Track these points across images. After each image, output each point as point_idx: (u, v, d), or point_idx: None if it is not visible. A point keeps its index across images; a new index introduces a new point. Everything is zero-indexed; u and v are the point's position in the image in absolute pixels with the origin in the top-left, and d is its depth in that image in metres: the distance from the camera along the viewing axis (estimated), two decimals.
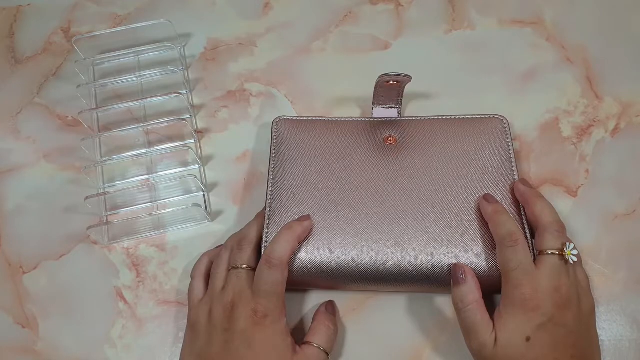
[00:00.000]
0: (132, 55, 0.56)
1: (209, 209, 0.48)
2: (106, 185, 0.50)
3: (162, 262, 0.47)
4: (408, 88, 0.46)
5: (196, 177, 0.46)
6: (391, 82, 0.45)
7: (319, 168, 0.44)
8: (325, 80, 0.54)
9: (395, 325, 0.43)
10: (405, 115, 0.49)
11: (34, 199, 0.50)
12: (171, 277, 0.46)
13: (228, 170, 0.50)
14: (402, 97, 0.48)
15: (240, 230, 0.43)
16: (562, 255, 0.37)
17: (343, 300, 0.44)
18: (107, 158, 0.51)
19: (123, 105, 0.52)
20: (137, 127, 0.50)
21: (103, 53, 0.56)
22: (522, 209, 0.42)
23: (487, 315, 0.37)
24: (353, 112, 0.52)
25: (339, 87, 0.53)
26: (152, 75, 0.55)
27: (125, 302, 0.45)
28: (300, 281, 0.42)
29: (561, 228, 0.39)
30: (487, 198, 0.42)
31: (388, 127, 0.47)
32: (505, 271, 0.37)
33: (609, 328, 0.42)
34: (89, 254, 0.47)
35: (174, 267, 0.46)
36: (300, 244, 0.41)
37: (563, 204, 0.46)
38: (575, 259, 0.37)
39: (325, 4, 0.58)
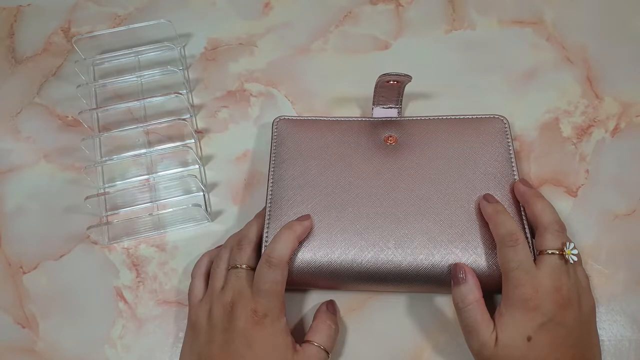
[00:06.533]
0: (132, 55, 0.56)
1: (209, 209, 0.48)
2: (106, 185, 0.50)
3: (162, 262, 0.47)
4: (408, 88, 0.46)
5: (196, 177, 0.46)
6: (391, 82, 0.45)
7: (319, 168, 0.44)
8: (325, 80, 0.54)
9: (395, 325, 0.43)
10: (406, 115, 0.49)
11: (34, 199, 0.50)
12: (171, 277, 0.46)
13: (228, 170, 0.50)
14: (402, 97, 0.48)
15: (240, 230, 0.43)
16: (562, 255, 0.37)
17: (343, 300, 0.44)
18: (107, 158, 0.51)
19: (123, 105, 0.52)
20: (137, 127, 0.50)
21: (103, 53, 0.56)
22: (522, 209, 0.42)
23: (487, 315, 0.37)
24: (353, 112, 0.52)
25: (339, 87, 0.53)
26: (152, 75, 0.55)
27: (125, 302, 0.45)
28: (300, 281, 0.42)
29: (561, 228, 0.39)
30: (488, 198, 0.42)
31: (388, 126, 0.47)
32: (506, 271, 0.37)
33: (609, 328, 0.42)
34: (89, 254, 0.47)
35: (174, 267, 0.46)
36: (301, 243, 0.41)
37: (563, 204, 0.46)
38: (575, 258, 0.37)
39: (325, 4, 0.58)
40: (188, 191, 0.49)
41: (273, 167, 0.45)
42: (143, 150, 0.51)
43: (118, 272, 0.46)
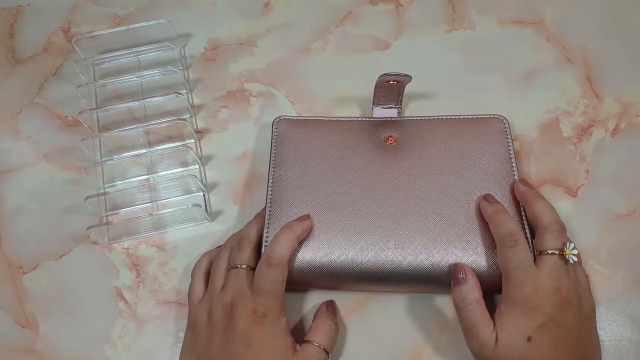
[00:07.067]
0: (132, 55, 0.56)
1: (209, 209, 0.48)
2: (106, 185, 0.50)
3: (162, 262, 0.47)
4: (408, 88, 0.46)
5: (196, 177, 0.46)
6: (391, 82, 0.45)
7: (319, 168, 0.44)
8: (325, 80, 0.54)
9: (395, 325, 0.43)
10: (406, 115, 0.49)
11: (34, 199, 0.50)
12: (171, 277, 0.46)
13: (228, 170, 0.50)
14: (402, 97, 0.48)
15: (240, 230, 0.43)
16: (562, 255, 0.37)
17: (343, 300, 0.44)
18: (107, 158, 0.51)
19: (123, 105, 0.52)
20: (137, 127, 0.50)
21: (103, 53, 0.56)
22: (522, 209, 0.42)
23: (487, 315, 0.37)
24: (353, 112, 0.52)
25: (339, 87, 0.53)
26: (152, 75, 0.55)
27: (125, 302, 0.45)
28: (300, 281, 0.42)
29: (561, 228, 0.39)
30: (487, 198, 0.42)
31: (388, 126, 0.47)
32: (506, 271, 0.37)
33: (609, 328, 0.42)
34: (89, 254, 0.47)
35: (174, 267, 0.46)
36: (301, 243, 0.41)
37: (563, 204, 0.46)
38: (575, 258, 0.37)
39: (325, 4, 0.58)
40: (188, 191, 0.49)
41: (273, 167, 0.45)
42: (143, 150, 0.51)
43: (118, 272, 0.46)
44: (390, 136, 0.46)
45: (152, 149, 0.51)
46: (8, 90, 0.56)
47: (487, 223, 0.41)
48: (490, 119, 0.47)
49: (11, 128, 0.54)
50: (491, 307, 0.38)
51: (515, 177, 0.44)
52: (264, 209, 0.43)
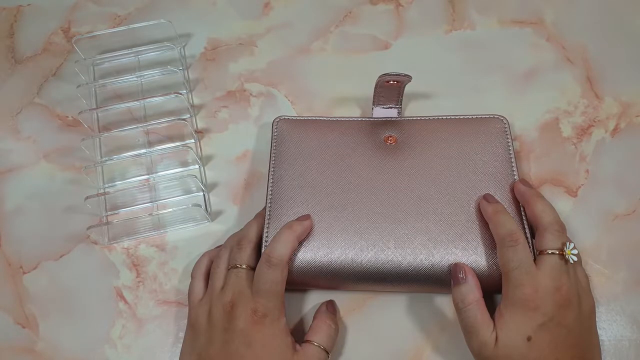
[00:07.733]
0: (132, 55, 0.56)
1: (209, 209, 0.48)
2: (106, 185, 0.50)
3: (162, 262, 0.47)
4: (408, 88, 0.46)
5: (196, 177, 0.46)
6: (391, 82, 0.45)
7: (319, 168, 0.44)
8: (325, 80, 0.54)
9: (395, 325, 0.43)
10: (406, 115, 0.49)
11: (34, 199, 0.50)
12: (171, 277, 0.46)
13: (228, 170, 0.50)
14: (402, 97, 0.48)
15: (240, 229, 0.44)
16: (562, 255, 0.37)
17: (343, 300, 0.44)
18: (107, 158, 0.51)
19: (123, 105, 0.52)
20: (137, 127, 0.50)
21: (103, 53, 0.56)
22: (522, 209, 0.42)
23: (487, 315, 0.37)
24: (353, 112, 0.52)
25: (339, 87, 0.53)
26: (152, 75, 0.55)
27: (125, 302, 0.45)
28: (300, 281, 0.42)
29: (561, 228, 0.39)
30: (487, 198, 0.42)
31: (388, 126, 0.47)
32: (506, 271, 0.37)
33: (609, 328, 0.42)
34: (89, 254, 0.47)
35: (174, 267, 0.46)
36: (301, 243, 0.41)
37: (563, 204, 0.46)
38: (575, 258, 0.37)
39: (325, 4, 0.58)
40: (188, 191, 0.49)
41: (273, 167, 0.45)
42: (143, 150, 0.51)
43: (118, 272, 0.46)
44: (390, 136, 0.46)
45: (152, 149, 0.51)
46: (8, 90, 0.56)
47: (487, 223, 0.41)
48: (490, 119, 0.47)
49: (11, 128, 0.54)
50: (491, 307, 0.38)
51: (515, 177, 0.44)
52: (264, 208, 0.44)
